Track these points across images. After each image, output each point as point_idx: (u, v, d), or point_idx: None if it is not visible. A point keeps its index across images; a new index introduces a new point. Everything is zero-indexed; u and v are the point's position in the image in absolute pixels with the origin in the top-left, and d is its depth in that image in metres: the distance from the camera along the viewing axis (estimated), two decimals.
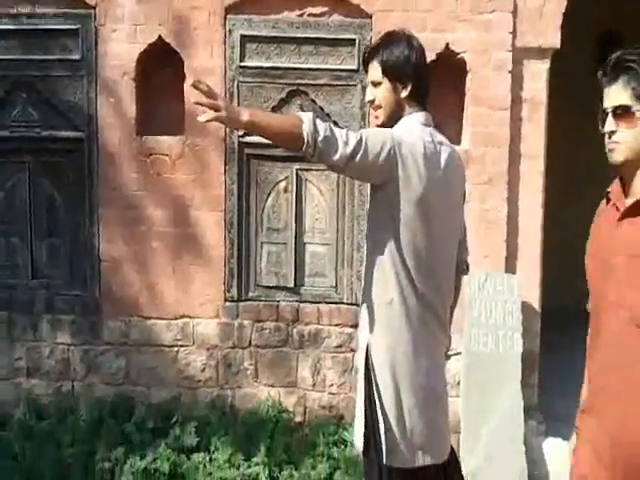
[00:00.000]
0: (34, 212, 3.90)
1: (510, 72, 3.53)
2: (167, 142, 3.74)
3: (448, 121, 3.69)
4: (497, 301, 3.68)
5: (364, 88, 3.47)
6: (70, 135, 3.79)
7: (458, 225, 2.27)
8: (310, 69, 3.62)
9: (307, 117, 1.87)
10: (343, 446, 3.63)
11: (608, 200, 1.80)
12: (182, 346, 3.82)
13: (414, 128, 2.11)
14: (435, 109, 3.46)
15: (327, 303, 3.76)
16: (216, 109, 1.78)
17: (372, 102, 2.21)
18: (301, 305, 3.77)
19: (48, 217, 3.91)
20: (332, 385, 3.80)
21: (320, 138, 1.85)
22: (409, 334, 2.06)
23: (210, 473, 3.37)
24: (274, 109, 3.66)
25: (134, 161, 3.75)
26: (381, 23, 3.48)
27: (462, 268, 2.36)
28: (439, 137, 2.15)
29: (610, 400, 1.69)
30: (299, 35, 3.59)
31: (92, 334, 3.86)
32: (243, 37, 3.61)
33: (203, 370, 3.82)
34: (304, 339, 3.78)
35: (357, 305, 3.68)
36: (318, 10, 3.61)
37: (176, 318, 3.81)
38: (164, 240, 3.79)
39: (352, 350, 3.69)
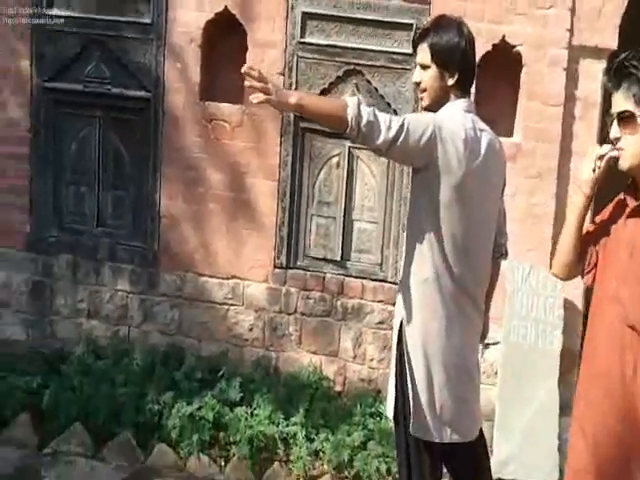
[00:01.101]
0: (102, 164, 5.24)
1: (565, 69, 4.44)
2: (228, 109, 4.94)
3: (501, 113, 4.67)
4: (539, 295, 4.66)
5: None
6: (138, 94, 5.06)
7: (496, 211, 2.89)
8: (367, 50, 4.66)
9: (352, 101, 2.50)
10: (379, 418, 4.72)
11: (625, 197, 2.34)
12: (232, 305, 5.12)
13: (457, 114, 2.73)
14: (488, 101, 4.57)
15: (371, 280, 4.91)
16: (266, 92, 2.47)
17: (418, 84, 2.83)
18: (346, 279, 4.95)
19: (115, 170, 5.25)
20: (372, 360, 4.97)
21: (364, 122, 2.47)
22: (442, 313, 2.72)
23: (251, 426, 4.54)
24: (331, 86, 4.76)
25: (196, 125, 4.99)
26: (439, 9, 4.43)
27: (500, 253, 3.01)
28: (481, 124, 2.78)
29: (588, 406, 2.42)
30: (359, 16, 4.63)
31: (149, 285, 5.23)
32: (305, 14, 4.70)
33: (250, 330, 5.13)
34: (347, 312, 4.98)
35: None
36: None
37: (228, 278, 5.11)
38: (220, 203, 5.04)
39: (392, 328, 4.86)
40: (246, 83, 2.53)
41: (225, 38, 4.91)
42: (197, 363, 5.08)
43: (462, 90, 2.84)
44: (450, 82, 2.78)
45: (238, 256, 5.07)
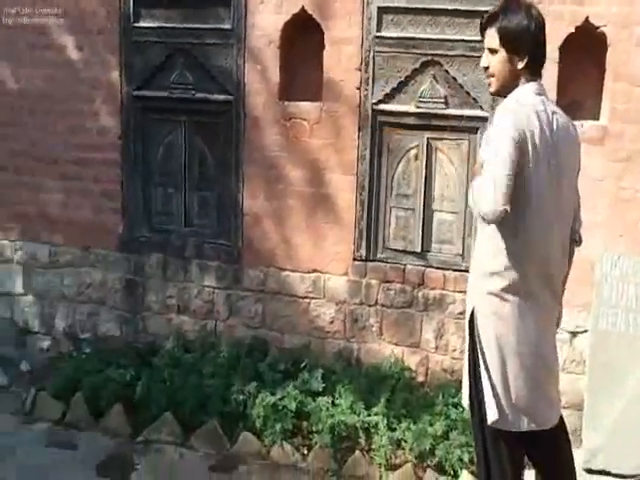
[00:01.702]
0: (188, 166, 5.31)
1: None
2: (306, 107, 4.92)
3: (586, 96, 4.49)
4: (629, 282, 4.41)
5: None
6: (220, 98, 5.10)
7: (571, 195, 2.80)
8: (445, 40, 4.56)
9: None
10: (461, 408, 4.53)
11: None
12: (313, 298, 5.08)
13: (528, 96, 2.64)
14: (573, 83, 4.40)
15: (453, 270, 4.78)
16: None
17: (487, 69, 2.73)
18: (427, 270, 4.84)
19: (200, 171, 5.31)
20: (455, 350, 4.83)
21: (479, 211, 2.54)
22: (514, 300, 2.65)
23: (332, 415, 4.50)
24: (407, 78, 4.67)
25: (276, 124, 4.98)
26: None
27: (574, 238, 2.91)
28: (552, 107, 2.69)
29: None
30: (435, 6, 4.54)
31: (234, 280, 5.25)
32: (380, 8, 4.63)
33: (332, 322, 5.07)
34: (429, 303, 4.85)
35: None
36: None
37: (309, 272, 5.07)
38: (300, 199, 5.02)
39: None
40: None
41: (302, 38, 4.90)
42: (280, 355, 5.08)
43: (532, 74, 2.73)
44: (520, 66, 2.69)
45: (318, 250, 5.03)
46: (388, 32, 4.66)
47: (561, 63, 4.34)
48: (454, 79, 4.59)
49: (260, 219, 5.13)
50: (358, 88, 4.76)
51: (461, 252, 4.81)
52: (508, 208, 2.49)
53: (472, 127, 4.62)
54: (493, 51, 2.71)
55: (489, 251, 2.70)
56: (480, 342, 2.72)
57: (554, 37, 4.30)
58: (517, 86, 2.71)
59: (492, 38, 2.70)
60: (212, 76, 5.10)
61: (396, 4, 4.61)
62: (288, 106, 4.95)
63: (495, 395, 2.68)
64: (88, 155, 5.45)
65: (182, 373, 4.90)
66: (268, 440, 4.54)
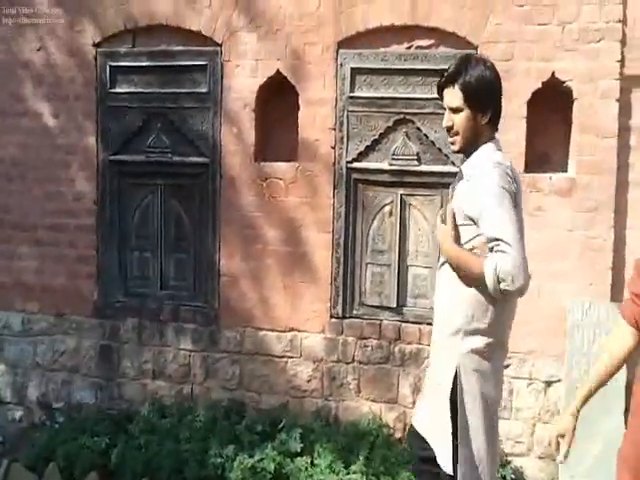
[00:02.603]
0: (164, 229, 5.11)
1: (618, 100, 4.19)
2: (282, 167, 4.78)
3: (554, 149, 4.43)
4: (601, 330, 4.30)
5: None
6: (197, 160, 4.95)
7: None
8: (416, 99, 4.50)
9: (489, 272, 2.37)
10: None
11: None
12: (290, 357, 4.83)
13: (496, 154, 2.56)
14: (541, 137, 4.30)
15: (428, 324, 4.55)
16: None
17: (450, 128, 2.60)
18: (403, 325, 4.63)
19: (176, 234, 5.10)
20: None
21: (503, 287, 2.36)
22: (496, 357, 2.59)
23: (311, 476, 4.27)
24: (381, 136, 4.56)
25: (252, 184, 4.82)
26: (487, 54, 4.26)
27: None
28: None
29: None
30: (407, 67, 4.49)
31: (211, 342, 4.98)
32: (353, 69, 4.57)
33: (309, 381, 4.79)
34: (405, 357, 4.63)
35: None
36: (425, 42, 4.48)
37: (286, 331, 4.82)
38: (277, 258, 4.82)
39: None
40: None
41: (277, 99, 4.81)
42: (258, 416, 4.81)
43: (492, 129, 2.64)
44: (484, 121, 2.58)
45: (295, 309, 4.81)
46: (361, 92, 4.59)
47: (529, 118, 4.30)
48: (426, 136, 4.51)
49: (237, 279, 4.91)
50: (333, 147, 4.65)
51: None
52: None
53: (444, 183, 4.48)
54: (456, 110, 2.58)
55: (465, 311, 2.54)
56: (464, 404, 2.54)
57: (521, 93, 4.27)
58: (478, 141, 2.60)
59: (454, 97, 2.58)
60: (189, 139, 4.96)
61: (369, 65, 4.55)
62: (264, 166, 4.81)
63: (482, 459, 2.55)
64: (64, 221, 5.21)
65: (158, 439, 4.63)
66: None
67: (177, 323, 5.04)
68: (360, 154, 4.61)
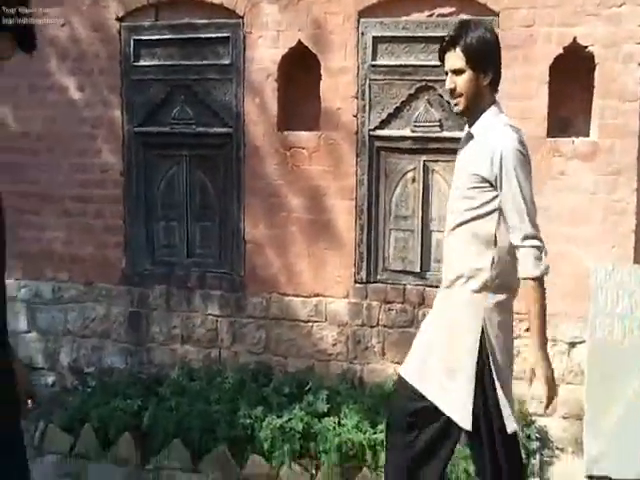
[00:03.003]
0: (190, 199, 5.12)
1: None
2: (305, 137, 4.77)
3: (576, 113, 4.40)
4: (624, 291, 4.29)
5: None
6: (221, 131, 4.95)
7: None
8: (438, 66, 4.40)
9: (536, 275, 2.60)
10: None
11: None
12: (316, 322, 4.87)
13: (504, 119, 2.67)
14: (563, 102, 4.28)
15: None
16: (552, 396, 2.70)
17: (453, 90, 2.67)
18: (427, 289, 4.65)
19: (201, 203, 5.12)
20: None
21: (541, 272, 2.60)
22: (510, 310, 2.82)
23: (339, 435, 4.29)
24: (403, 103, 4.55)
25: (275, 154, 4.82)
26: (508, 20, 4.25)
27: None
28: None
29: None
30: (428, 34, 4.46)
31: (237, 308, 5.02)
32: (375, 38, 4.54)
33: (334, 345, 4.83)
34: None
35: None
36: (446, 10, 4.45)
37: (310, 296, 4.86)
38: (301, 225, 4.84)
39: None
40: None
41: (299, 69, 4.79)
42: (285, 379, 4.85)
43: (493, 90, 2.72)
44: (485, 82, 2.65)
45: (320, 275, 4.83)
46: (383, 60, 4.57)
47: (551, 83, 4.27)
48: (448, 103, 4.48)
49: (262, 247, 4.94)
50: (355, 116, 4.63)
51: None
52: None
53: None
54: (458, 72, 2.65)
55: (490, 270, 2.71)
56: (493, 356, 2.70)
57: (543, 58, 4.24)
58: (481, 103, 2.68)
59: (456, 59, 2.64)
60: (212, 110, 4.96)
61: (390, 34, 4.52)
62: (287, 136, 4.80)
63: (509, 405, 2.70)
64: (91, 192, 5.24)
65: (188, 400, 4.67)
66: (276, 462, 4.30)
67: (204, 290, 5.09)
68: (382, 122, 4.61)
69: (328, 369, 4.85)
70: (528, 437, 4.31)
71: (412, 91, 4.53)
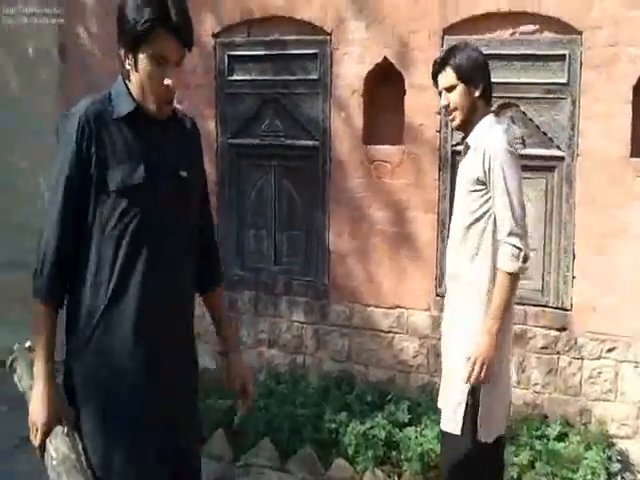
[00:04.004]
0: (277, 208, 5.16)
1: None
2: (388, 151, 4.70)
3: None
4: None
5: (573, 101, 4.08)
6: (308, 143, 4.95)
7: None
8: (521, 83, 4.28)
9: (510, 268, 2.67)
10: (545, 440, 4.25)
11: None
12: (397, 333, 4.79)
13: (498, 127, 2.82)
14: None
15: (533, 305, 4.42)
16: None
17: (447, 106, 2.83)
18: None
19: (288, 213, 5.14)
20: (536, 384, 4.46)
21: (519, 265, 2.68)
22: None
23: (421, 444, 4.22)
24: None
25: (360, 167, 4.77)
26: (591, 39, 4.02)
27: None
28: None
29: None
30: (510, 52, 4.28)
31: (321, 315, 5.02)
32: None
33: (415, 357, 4.75)
34: None
35: (563, 309, 4.31)
36: (529, 29, 4.25)
37: (392, 307, 4.79)
38: (383, 237, 4.77)
39: (558, 352, 4.33)
40: None
41: (384, 85, 4.71)
42: (367, 388, 4.80)
43: (486, 102, 2.86)
44: (477, 94, 2.79)
45: (401, 286, 4.76)
46: None
47: (634, 102, 4.00)
48: (531, 120, 4.29)
49: (345, 257, 4.91)
50: (438, 131, 4.52)
51: (540, 288, 4.44)
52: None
53: (549, 166, 4.31)
54: (450, 88, 2.79)
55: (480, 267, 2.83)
56: None
57: (626, 78, 4.00)
58: (475, 115, 2.81)
59: (447, 77, 2.79)
60: (300, 123, 4.96)
61: None
62: (371, 149, 4.75)
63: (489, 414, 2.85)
64: None
65: (276, 402, 4.73)
66: (360, 467, 4.30)
67: (290, 296, 5.11)
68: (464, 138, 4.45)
69: (408, 380, 4.77)
70: (609, 459, 4.09)
71: (494, 108, 4.33)
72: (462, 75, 2.77)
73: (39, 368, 2.06)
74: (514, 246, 2.64)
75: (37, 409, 2.05)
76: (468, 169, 2.82)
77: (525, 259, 2.66)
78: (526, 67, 4.26)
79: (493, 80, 4.26)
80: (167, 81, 2.02)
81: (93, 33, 5.59)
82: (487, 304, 2.76)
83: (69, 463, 2.02)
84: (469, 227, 2.79)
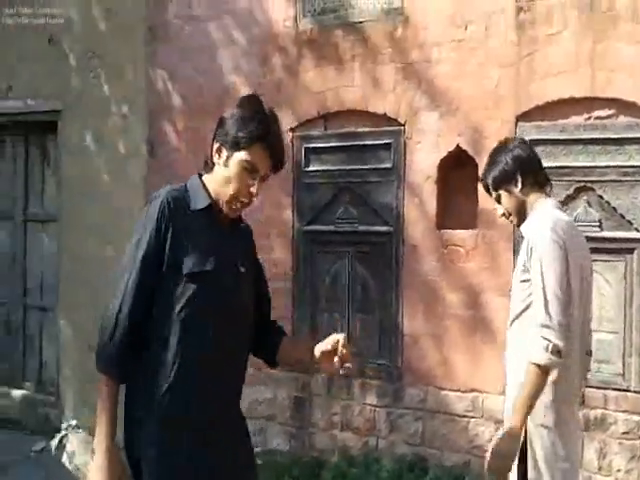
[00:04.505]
0: (351, 292, 5.20)
1: None
2: (462, 235, 4.73)
3: None
4: None
5: None
6: (381, 229, 5.04)
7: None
8: (597, 167, 4.31)
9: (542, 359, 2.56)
10: None
11: None
12: (472, 417, 4.67)
13: (546, 217, 2.70)
14: None
15: (614, 389, 4.27)
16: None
17: (504, 214, 2.93)
18: (587, 389, 4.31)
19: (362, 297, 5.17)
20: (619, 470, 4.25)
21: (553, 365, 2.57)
22: None
23: None
24: (562, 204, 4.36)
25: (434, 251, 4.81)
26: None
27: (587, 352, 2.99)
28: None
29: None
30: (586, 136, 4.33)
31: (394, 398, 4.95)
32: (532, 141, 4.39)
33: (491, 441, 4.58)
34: (590, 422, 4.32)
35: None
36: (605, 113, 4.30)
37: (467, 391, 4.69)
38: (457, 320, 4.74)
39: None
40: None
41: (457, 171, 4.80)
42: (441, 472, 4.67)
43: (532, 188, 2.83)
44: (517, 188, 2.81)
45: (476, 370, 4.67)
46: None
47: None
48: (608, 203, 4.29)
49: (419, 340, 4.88)
50: None
51: (621, 372, 4.30)
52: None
53: (628, 248, 4.26)
54: (497, 199, 2.91)
55: None
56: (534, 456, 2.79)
57: None
58: (526, 208, 2.82)
59: (492, 192, 2.93)
60: (373, 210, 5.07)
61: (547, 136, 4.44)
62: (444, 234, 4.79)
63: None
64: None
65: None
66: None
67: (363, 379, 5.07)
68: None
69: (484, 466, 4.59)
70: None
71: (570, 191, 4.37)
72: (498, 187, 2.86)
73: (101, 439, 2.12)
74: (544, 338, 2.53)
75: None
76: (520, 258, 2.79)
77: (557, 352, 2.53)
78: (601, 151, 4.30)
79: (568, 164, 4.38)
80: (253, 189, 2.19)
81: (179, 130, 5.91)
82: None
83: None
84: (519, 315, 2.76)
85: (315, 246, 5.35)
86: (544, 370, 2.55)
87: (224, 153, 2.19)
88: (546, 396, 2.66)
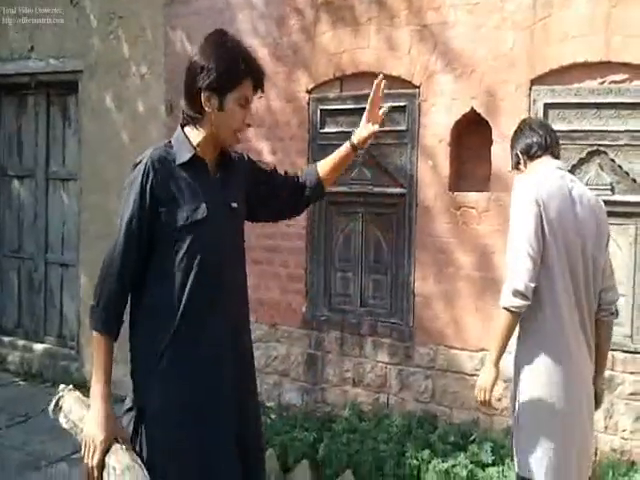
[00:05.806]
0: (364, 253, 5.14)
1: None
2: (475, 197, 4.63)
3: None
4: None
5: None
6: (395, 191, 4.94)
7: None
8: (610, 131, 4.17)
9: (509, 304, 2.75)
10: None
11: None
12: None
13: (528, 179, 2.84)
14: None
15: (622, 351, 4.21)
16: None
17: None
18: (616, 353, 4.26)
19: (375, 257, 5.12)
20: (624, 430, 4.22)
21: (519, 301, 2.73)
22: None
23: None
24: (574, 167, 4.29)
25: (446, 213, 4.72)
26: None
27: (610, 311, 3.16)
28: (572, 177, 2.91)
29: None
30: (600, 101, 4.18)
31: (405, 357, 4.92)
32: (546, 105, 4.33)
33: (499, 400, 4.56)
34: None
35: None
36: (619, 77, 4.15)
37: (477, 350, 4.65)
38: (469, 281, 4.67)
39: None
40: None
41: (470, 134, 4.68)
42: (450, 428, 4.65)
43: (528, 158, 3.05)
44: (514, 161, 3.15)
45: (486, 330, 4.61)
46: (555, 126, 4.26)
47: None
48: (620, 167, 4.17)
49: (430, 300, 4.82)
50: None
51: (630, 334, 4.24)
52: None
53: (639, 212, 4.14)
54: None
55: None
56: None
57: None
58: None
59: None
60: (387, 172, 4.97)
61: (561, 100, 4.30)
62: (457, 196, 4.69)
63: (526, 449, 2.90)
64: (278, 243, 5.42)
65: (359, 438, 4.63)
66: None
67: (375, 337, 5.05)
68: None
69: (492, 423, 4.59)
70: None
71: (583, 155, 4.26)
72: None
73: (97, 389, 2.15)
74: (511, 285, 2.74)
75: (94, 428, 2.10)
76: None
77: (520, 294, 2.72)
78: (615, 115, 4.17)
79: (581, 128, 4.26)
80: (249, 120, 2.32)
81: None
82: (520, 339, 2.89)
83: (133, 472, 2.01)
84: None
85: (329, 206, 5.27)
86: (508, 312, 2.73)
87: (215, 99, 2.23)
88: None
